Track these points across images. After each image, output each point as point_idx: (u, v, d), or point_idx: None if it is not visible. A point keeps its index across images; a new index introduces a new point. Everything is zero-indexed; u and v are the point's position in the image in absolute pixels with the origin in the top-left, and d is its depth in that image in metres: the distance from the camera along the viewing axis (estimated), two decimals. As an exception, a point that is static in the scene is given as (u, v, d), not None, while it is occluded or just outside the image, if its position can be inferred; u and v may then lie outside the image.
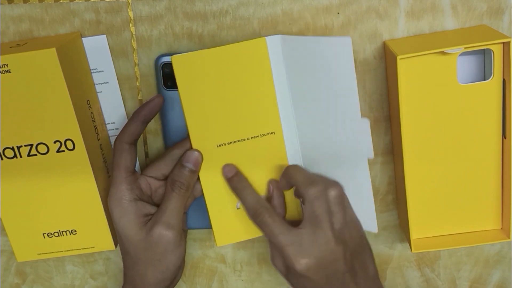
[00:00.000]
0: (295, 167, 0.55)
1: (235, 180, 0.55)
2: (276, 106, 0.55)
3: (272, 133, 0.55)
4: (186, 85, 0.53)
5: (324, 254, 0.51)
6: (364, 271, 0.53)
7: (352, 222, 0.53)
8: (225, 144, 0.55)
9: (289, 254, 0.51)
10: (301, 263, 0.50)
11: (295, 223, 0.53)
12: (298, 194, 0.56)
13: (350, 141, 0.52)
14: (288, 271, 0.52)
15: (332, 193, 0.52)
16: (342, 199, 0.52)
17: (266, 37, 0.52)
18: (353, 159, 0.52)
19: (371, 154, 0.51)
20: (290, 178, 0.54)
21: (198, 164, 0.54)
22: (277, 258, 0.53)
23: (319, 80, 0.52)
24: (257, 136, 0.55)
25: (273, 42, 0.53)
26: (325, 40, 0.50)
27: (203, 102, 0.53)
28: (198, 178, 0.56)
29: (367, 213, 0.54)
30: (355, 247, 0.52)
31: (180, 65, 0.52)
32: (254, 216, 0.53)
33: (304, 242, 0.51)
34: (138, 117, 0.54)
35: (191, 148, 0.55)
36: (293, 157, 0.56)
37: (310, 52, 0.51)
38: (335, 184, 0.52)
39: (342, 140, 0.53)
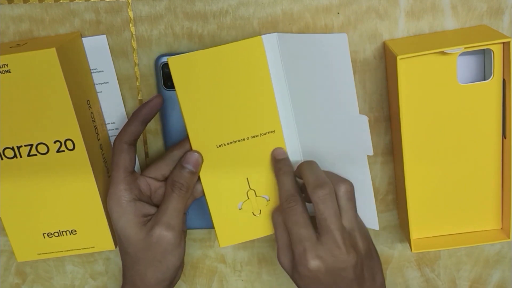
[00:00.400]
0: (307, 164, 0.55)
1: (283, 162, 0.55)
2: (274, 105, 0.55)
3: (271, 131, 0.55)
4: (184, 86, 0.53)
5: (335, 261, 0.51)
6: (372, 279, 0.53)
7: (361, 226, 0.53)
8: (225, 145, 0.55)
9: (306, 249, 0.51)
10: (313, 262, 0.51)
11: None
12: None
13: (349, 138, 0.52)
14: (295, 269, 0.52)
15: (342, 189, 0.52)
16: (353, 195, 0.52)
17: (263, 36, 0.52)
18: (352, 156, 0.52)
19: (370, 151, 0.51)
20: (302, 175, 0.54)
21: (198, 166, 0.54)
22: (284, 255, 0.53)
23: (317, 77, 0.52)
24: (257, 136, 0.55)
25: (270, 40, 0.53)
26: (321, 37, 0.50)
27: (202, 103, 0.53)
28: (199, 179, 0.56)
29: (368, 211, 0.54)
30: (365, 255, 0.52)
31: (177, 67, 0.52)
32: (288, 199, 0.53)
33: (319, 245, 0.51)
34: (138, 117, 0.54)
35: (191, 149, 0.55)
36: (294, 155, 0.56)
37: (307, 50, 0.51)
38: (345, 181, 0.52)
39: (341, 137, 0.53)
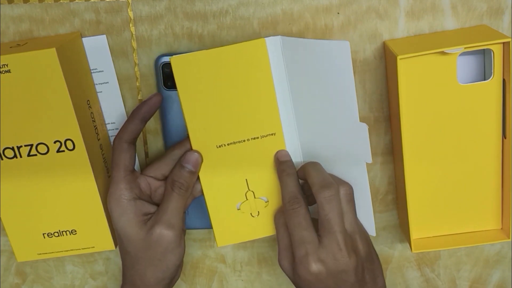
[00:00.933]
0: (313, 165, 0.55)
1: (287, 164, 0.55)
2: (276, 107, 0.55)
3: (272, 134, 0.55)
4: (186, 86, 0.53)
5: (337, 264, 0.51)
6: (373, 282, 0.53)
7: (361, 229, 0.53)
8: (225, 145, 0.55)
9: (307, 252, 0.51)
10: (315, 266, 0.51)
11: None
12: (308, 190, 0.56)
13: (348, 145, 0.52)
14: (295, 272, 0.52)
15: (342, 191, 0.52)
16: (352, 197, 0.52)
17: (266, 38, 0.52)
18: (351, 163, 0.52)
19: (369, 159, 0.51)
20: (307, 175, 0.54)
21: (197, 165, 0.54)
22: (285, 258, 0.53)
23: (318, 83, 0.51)
24: (257, 137, 0.55)
25: (273, 43, 0.53)
26: (324, 43, 0.50)
27: (203, 103, 0.53)
28: (198, 178, 0.56)
29: (365, 217, 0.54)
30: (366, 257, 0.52)
31: (179, 66, 0.52)
32: (292, 201, 0.53)
33: (321, 248, 0.51)
34: (137, 116, 0.54)
35: (191, 148, 0.55)
36: (294, 159, 0.56)
37: (310, 55, 0.51)
38: (345, 183, 0.53)
39: (340, 144, 0.53)
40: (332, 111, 0.52)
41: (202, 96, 0.53)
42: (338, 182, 0.52)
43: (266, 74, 0.53)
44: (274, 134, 0.55)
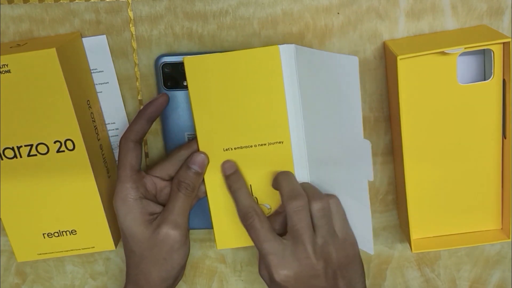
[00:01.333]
0: (284, 175, 0.55)
1: (233, 178, 0.55)
2: (285, 116, 0.54)
3: (280, 142, 0.55)
4: (197, 87, 0.53)
5: (303, 269, 0.51)
6: None
7: (342, 237, 0.53)
8: (231, 149, 0.55)
9: (270, 263, 0.51)
10: (280, 273, 0.51)
11: (284, 234, 0.53)
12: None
13: (351, 161, 0.52)
14: (271, 281, 0.53)
15: (315, 206, 0.52)
16: (327, 212, 0.52)
17: (280, 46, 0.52)
18: (353, 179, 0.52)
19: (370, 176, 0.50)
20: (278, 186, 0.54)
21: (203, 167, 0.55)
22: (263, 267, 0.54)
23: (326, 95, 0.51)
24: (265, 144, 0.55)
25: (286, 51, 0.52)
26: (334, 56, 0.49)
27: (213, 105, 0.53)
28: (203, 180, 0.56)
29: (364, 233, 0.54)
30: (340, 263, 0.52)
31: (192, 67, 0.52)
32: (244, 218, 0.53)
33: (286, 254, 0.51)
34: (143, 116, 0.54)
35: (197, 150, 0.55)
36: (300, 168, 0.56)
37: (320, 67, 0.51)
38: (321, 197, 0.52)
39: (344, 159, 0.52)
40: (338, 125, 0.51)
41: (213, 99, 0.53)
42: (314, 195, 0.52)
43: (277, 81, 0.53)
44: (282, 142, 0.55)
